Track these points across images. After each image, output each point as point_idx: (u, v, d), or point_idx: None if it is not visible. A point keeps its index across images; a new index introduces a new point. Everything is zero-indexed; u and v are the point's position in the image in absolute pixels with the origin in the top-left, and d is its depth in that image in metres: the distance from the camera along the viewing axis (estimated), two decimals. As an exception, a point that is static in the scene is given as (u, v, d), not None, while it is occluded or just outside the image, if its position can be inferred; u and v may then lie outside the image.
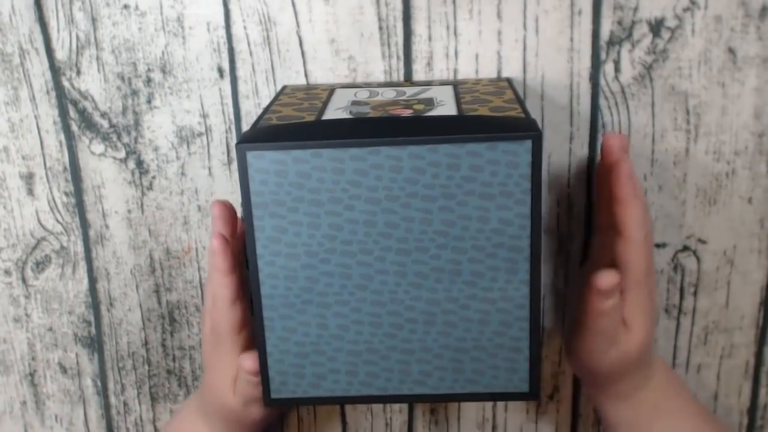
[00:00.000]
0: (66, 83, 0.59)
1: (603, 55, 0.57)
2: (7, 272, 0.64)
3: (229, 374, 0.53)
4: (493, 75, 0.57)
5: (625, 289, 0.50)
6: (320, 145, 0.41)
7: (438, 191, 0.42)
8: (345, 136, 0.41)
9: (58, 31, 0.58)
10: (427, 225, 0.42)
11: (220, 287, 0.51)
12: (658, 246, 0.61)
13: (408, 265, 0.43)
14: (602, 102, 0.58)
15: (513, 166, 0.41)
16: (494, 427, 0.66)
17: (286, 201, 0.42)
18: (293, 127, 0.44)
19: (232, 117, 0.59)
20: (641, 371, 0.53)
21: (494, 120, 0.43)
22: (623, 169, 0.49)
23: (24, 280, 0.64)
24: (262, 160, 0.41)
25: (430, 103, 0.48)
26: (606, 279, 0.48)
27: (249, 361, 0.50)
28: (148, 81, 0.58)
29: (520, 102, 0.47)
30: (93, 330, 0.65)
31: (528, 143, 0.41)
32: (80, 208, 0.62)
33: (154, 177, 0.61)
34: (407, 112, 0.46)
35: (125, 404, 0.67)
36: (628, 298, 0.50)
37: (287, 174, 0.42)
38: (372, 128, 0.43)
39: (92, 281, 0.64)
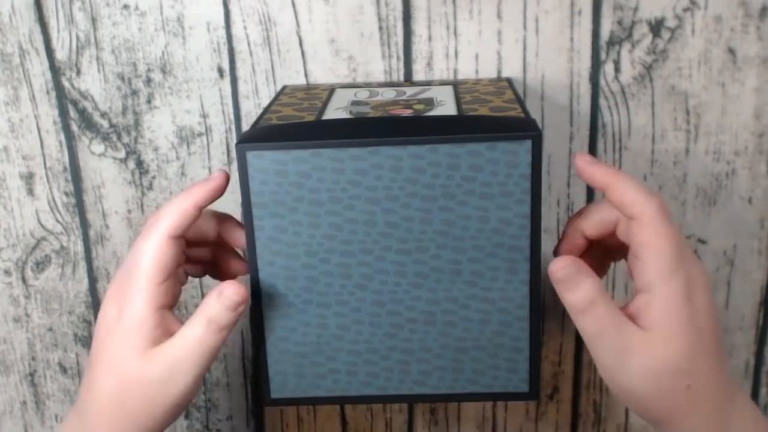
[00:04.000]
0: (66, 83, 0.59)
1: (603, 55, 0.57)
2: (7, 272, 0.64)
3: (141, 333, 0.42)
4: (493, 75, 0.57)
5: (647, 284, 0.40)
6: (320, 144, 0.41)
7: (438, 191, 0.42)
8: (345, 136, 0.41)
9: (58, 31, 0.58)
10: (427, 225, 0.42)
11: (172, 213, 0.42)
12: (658, 246, 0.61)
13: (408, 264, 0.43)
14: (602, 102, 0.58)
15: (513, 166, 0.41)
16: (494, 427, 0.66)
17: (286, 201, 0.42)
18: (293, 126, 0.44)
19: (232, 117, 0.59)
20: (707, 402, 0.40)
21: (494, 120, 0.43)
22: (583, 159, 0.42)
23: (24, 280, 0.64)
24: (262, 160, 0.41)
25: (430, 103, 0.48)
26: (558, 263, 0.41)
27: (233, 286, 0.41)
28: (148, 81, 0.58)
29: (520, 102, 0.47)
30: (93, 330, 0.65)
31: (528, 143, 0.41)
32: (80, 208, 0.62)
33: (154, 177, 0.61)
34: (407, 112, 0.46)
35: (125, 404, 0.67)
36: (654, 292, 0.40)
37: (287, 174, 0.42)
38: (372, 128, 0.43)
39: (92, 281, 0.64)
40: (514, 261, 0.43)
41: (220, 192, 0.44)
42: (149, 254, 0.42)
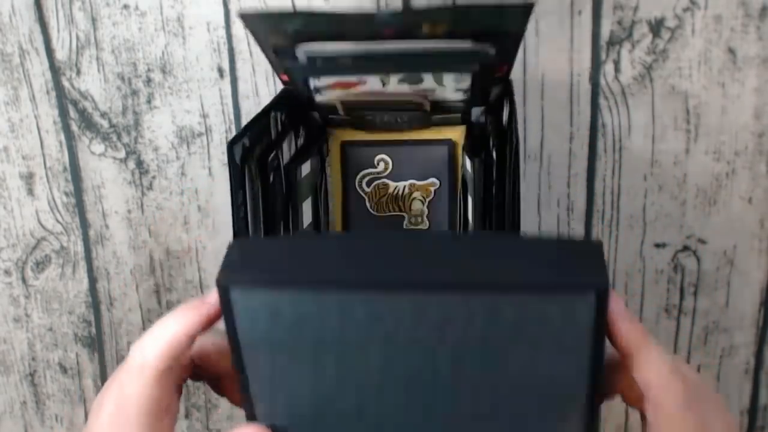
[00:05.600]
0: (66, 83, 0.59)
1: (603, 55, 0.57)
2: (7, 272, 0.64)
3: None
4: (493, 75, 0.57)
5: None
6: (323, 286, 0.32)
7: (473, 341, 0.32)
8: (353, 275, 0.32)
9: (58, 31, 0.58)
10: (461, 376, 0.33)
11: (159, 346, 0.36)
12: (658, 246, 0.61)
13: (435, 418, 0.34)
14: (602, 102, 0.58)
15: (570, 322, 0.31)
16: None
17: (285, 341, 0.33)
18: (289, 249, 0.34)
19: (232, 117, 0.59)
20: None
21: (546, 252, 0.32)
22: (616, 311, 0.34)
23: (24, 280, 0.64)
24: (250, 299, 0.32)
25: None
26: None
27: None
28: (148, 81, 0.58)
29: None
30: (93, 330, 0.65)
31: (591, 296, 0.30)
32: (80, 208, 0.62)
33: (154, 177, 0.61)
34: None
35: (125, 404, 0.67)
36: None
37: (283, 314, 0.32)
38: (388, 263, 0.32)
39: (92, 281, 0.64)
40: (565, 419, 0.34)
41: (216, 319, 0.37)
42: (137, 400, 0.36)
